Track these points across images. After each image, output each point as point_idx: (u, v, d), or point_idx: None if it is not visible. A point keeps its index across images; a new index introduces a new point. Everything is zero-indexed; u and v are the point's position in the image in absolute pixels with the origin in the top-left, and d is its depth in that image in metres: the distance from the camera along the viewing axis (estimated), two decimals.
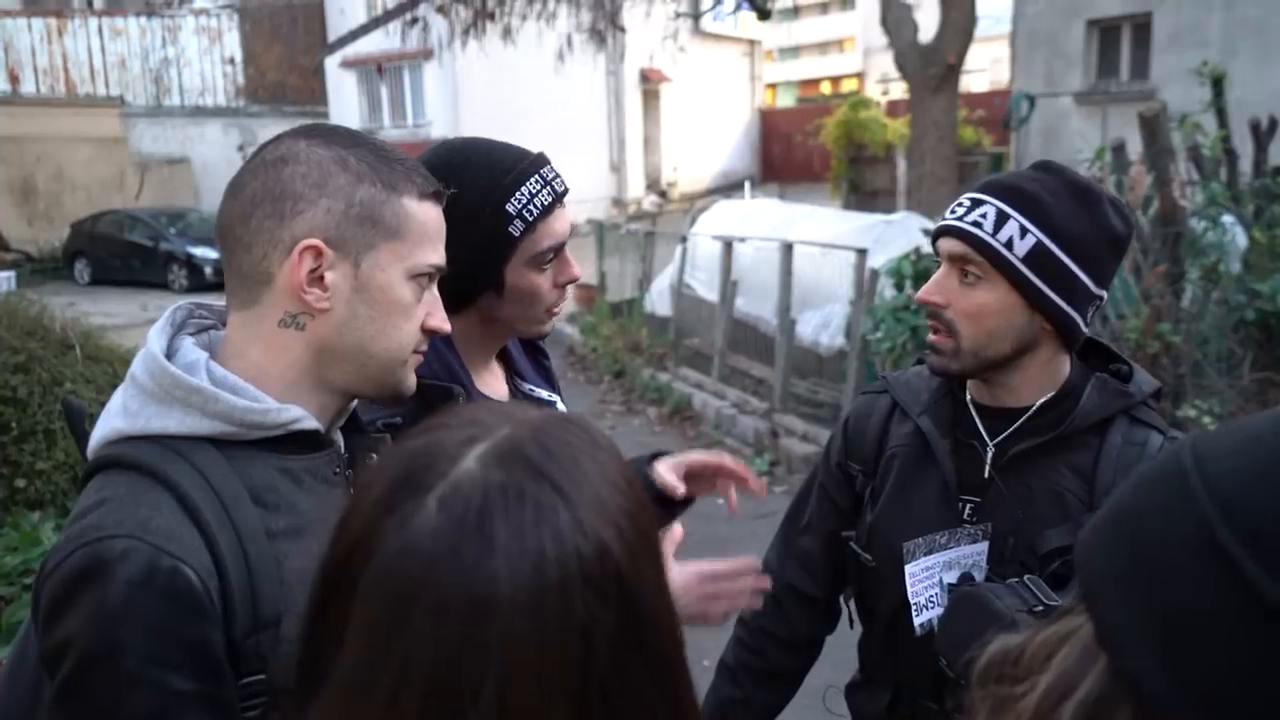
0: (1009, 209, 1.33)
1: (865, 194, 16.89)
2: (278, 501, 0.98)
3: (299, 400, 1.01)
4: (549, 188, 1.33)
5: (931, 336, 1.41)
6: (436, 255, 1.05)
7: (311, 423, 1.00)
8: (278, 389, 1.00)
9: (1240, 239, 6.00)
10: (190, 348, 1.01)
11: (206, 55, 23.11)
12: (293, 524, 0.98)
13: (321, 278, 0.99)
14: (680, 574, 1.25)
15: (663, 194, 24.92)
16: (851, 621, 1.61)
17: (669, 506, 1.41)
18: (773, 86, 37.69)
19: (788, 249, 7.50)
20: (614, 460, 0.65)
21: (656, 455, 1.45)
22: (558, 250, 1.36)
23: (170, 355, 1.00)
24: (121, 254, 18.02)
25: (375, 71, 21.85)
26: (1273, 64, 11.39)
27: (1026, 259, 1.31)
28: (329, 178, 0.99)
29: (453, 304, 1.31)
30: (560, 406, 1.50)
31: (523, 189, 1.31)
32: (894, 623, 1.46)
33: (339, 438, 1.09)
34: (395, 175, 1.02)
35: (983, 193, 1.37)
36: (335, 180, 0.99)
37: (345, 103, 22.35)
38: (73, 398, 1.18)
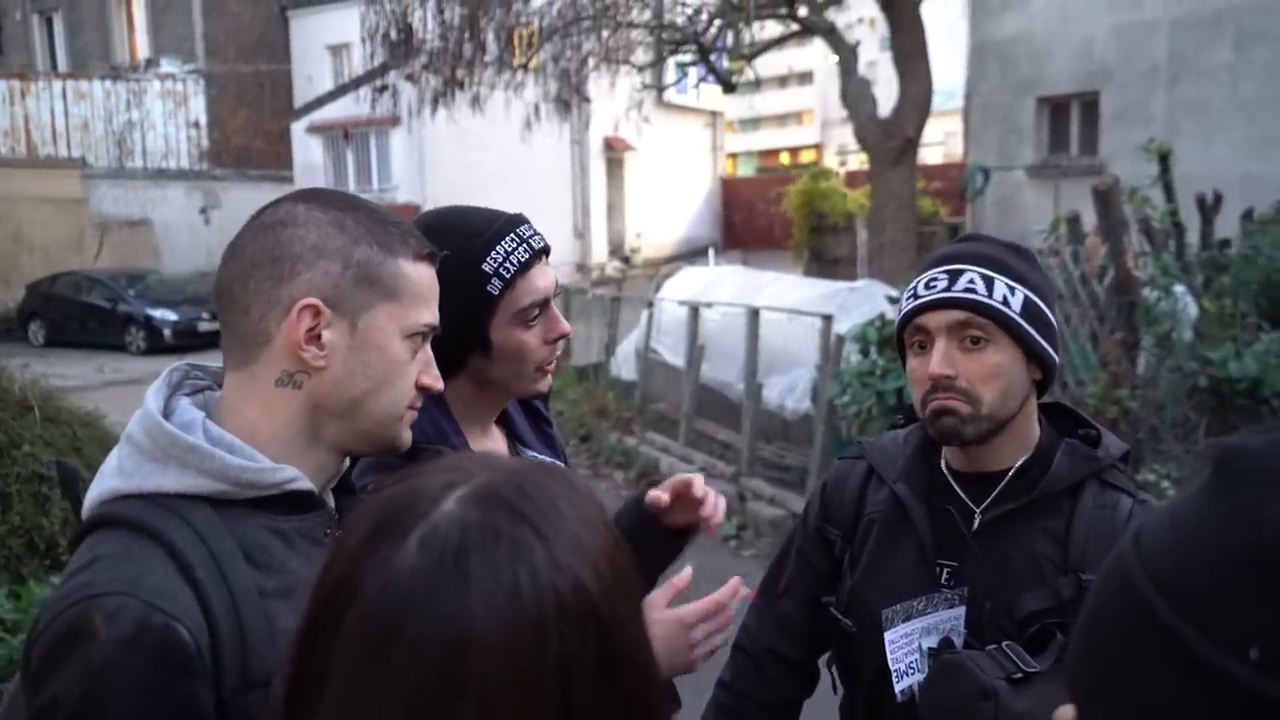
0: (990, 273, 1.38)
1: (826, 262, 17.17)
2: (269, 561, 0.98)
3: (294, 460, 1.01)
4: (525, 245, 1.34)
5: (943, 402, 1.38)
6: (430, 315, 1.08)
7: (306, 483, 1.01)
8: (273, 448, 1.00)
9: (1191, 308, 6.18)
10: (187, 407, 1.01)
11: (171, 119, 23.15)
12: (283, 584, 0.98)
13: (319, 336, 1.00)
14: (660, 625, 1.23)
15: (626, 260, 25.15)
16: (835, 686, 1.61)
17: (678, 536, 1.47)
18: (733, 156, 38.37)
19: (754, 314, 7.59)
20: (591, 505, 0.67)
21: (647, 489, 1.49)
22: (542, 306, 1.36)
23: (167, 415, 1.00)
24: (78, 315, 17.80)
25: (342, 137, 21.99)
26: (1213, 141, 11.85)
27: (1023, 313, 1.37)
28: (327, 240, 1.01)
29: (443, 368, 1.33)
30: None
31: (498, 248, 1.33)
32: (876, 688, 1.46)
33: (330, 499, 1.09)
34: (391, 237, 1.04)
35: (953, 264, 1.39)
36: (333, 242, 1.01)
37: (311, 167, 22.43)
38: (65, 460, 1.17)
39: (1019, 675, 1.26)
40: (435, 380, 1.09)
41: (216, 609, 0.91)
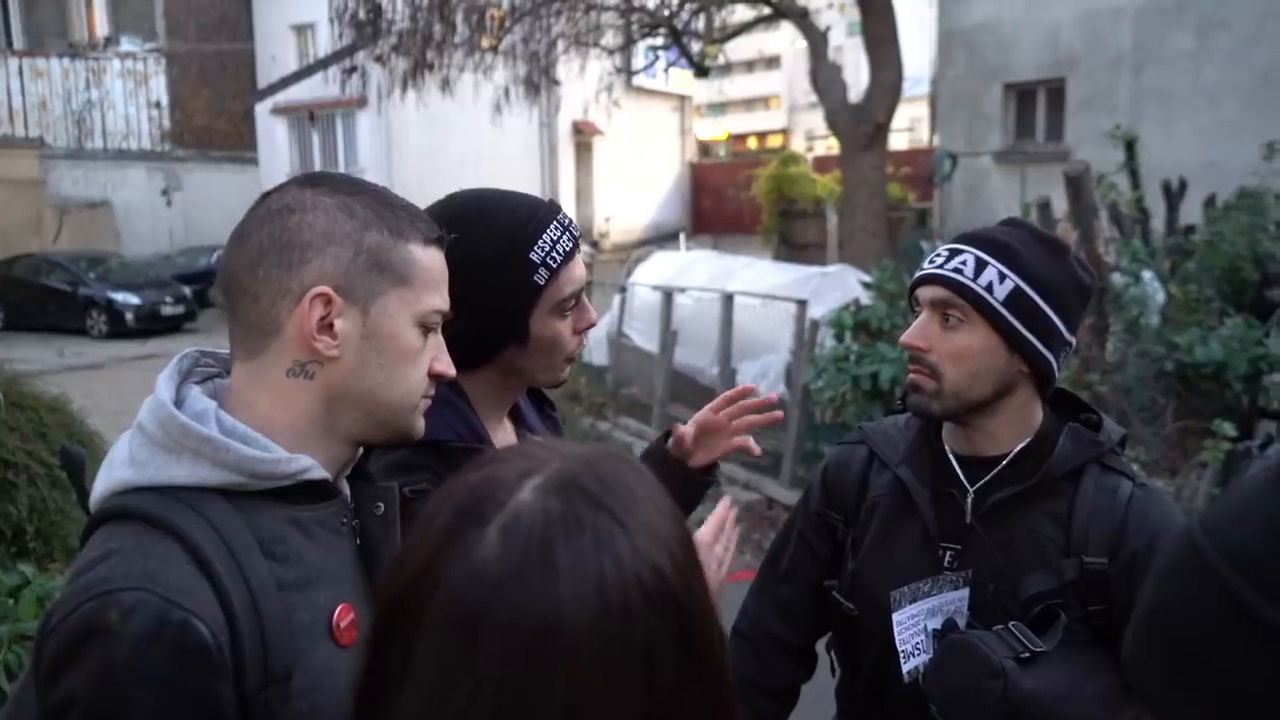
0: (987, 257, 1.40)
1: (795, 247, 17.23)
2: (287, 553, 0.96)
3: (309, 450, 0.99)
4: (567, 233, 1.31)
5: (913, 376, 1.45)
6: (442, 300, 1.06)
7: (321, 472, 0.99)
8: (287, 439, 0.98)
9: (1159, 294, 6.28)
10: (198, 396, 0.99)
11: (132, 99, 22.70)
12: (301, 576, 0.96)
13: (331, 325, 0.98)
14: None
15: (595, 245, 25.08)
16: (833, 669, 1.62)
17: (704, 476, 1.53)
18: (703, 142, 38.21)
19: (728, 300, 7.61)
20: (659, 490, 0.68)
21: (668, 435, 1.55)
22: (577, 296, 1.34)
23: (178, 404, 0.98)
24: (37, 299, 17.45)
25: (307, 119, 21.70)
26: (1176, 128, 12.02)
27: (1006, 302, 1.38)
28: (336, 225, 0.99)
29: (474, 359, 1.30)
30: None
31: (544, 237, 1.29)
32: (878, 669, 1.48)
33: (345, 487, 1.07)
34: (400, 221, 1.02)
35: (960, 243, 1.44)
36: (342, 228, 0.99)
37: (276, 149, 22.13)
38: (71, 445, 1.14)
39: (1026, 654, 1.29)
40: (447, 367, 1.07)
41: (235, 605, 0.89)
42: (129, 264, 18.95)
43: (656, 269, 10.33)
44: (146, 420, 0.96)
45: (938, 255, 1.45)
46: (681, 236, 17.83)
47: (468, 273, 1.22)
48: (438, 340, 1.07)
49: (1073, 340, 1.43)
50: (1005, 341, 1.39)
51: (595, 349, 10.34)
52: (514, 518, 0.60)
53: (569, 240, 1.31)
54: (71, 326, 16.95)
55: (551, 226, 1.30)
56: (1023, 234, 1.44)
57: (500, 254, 1.26)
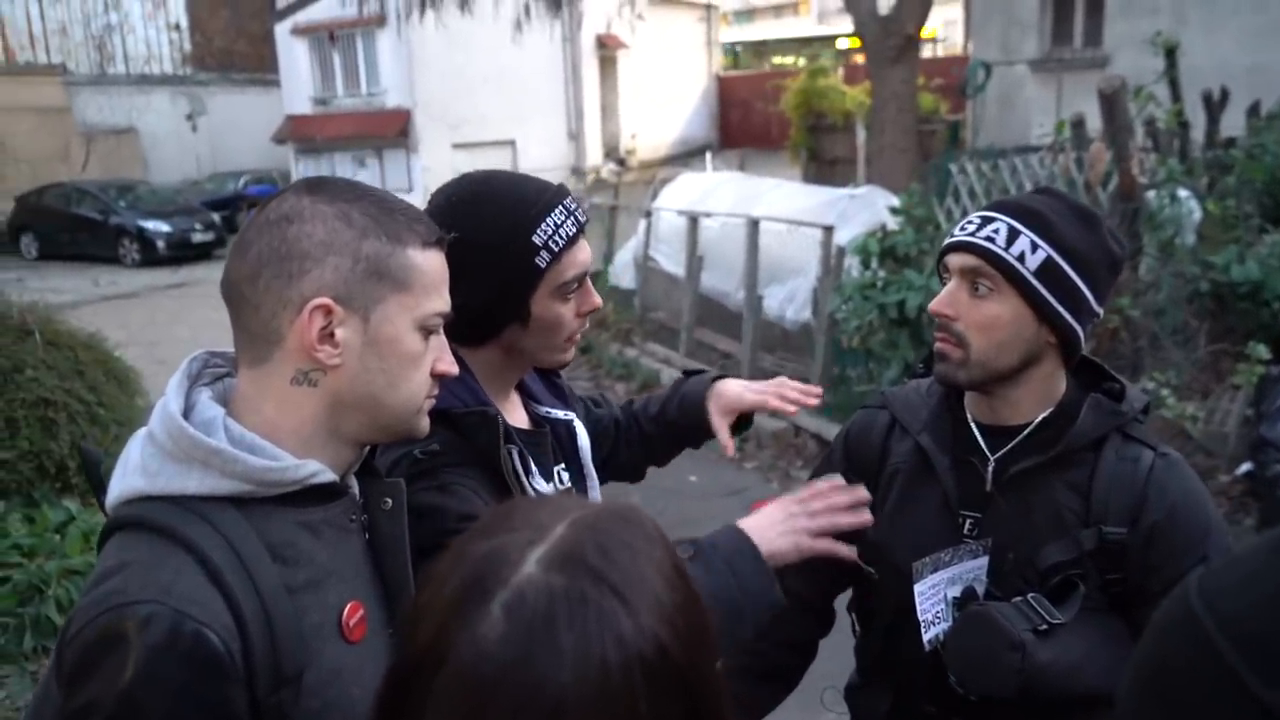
0: (1019, 225, 1.38)
1: (824, 162, 16.89)
2: (297, 556, 0.99)
3: (315, 454, 1.02)
4: (572, 218, 1.34)
5: (939, 345, 1.44)
6: (442, 303, 1.07)
7: (329, 475, 1.02)
8: (293, 444, 1.01)
9: (1196, 212, 6.12)
10: (207, 403, 1.01)
11: (151, 21, 22.51)
12: (311, 577, 0.99)
13: (332, 334, 1.00)
14: (768, 516, 1.36)
15: (621, 162, 24.78)
16: (854, 629, 1.65)
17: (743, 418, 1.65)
18: (733, 56, 37.16)
19: (754, 225, 7.52)
20: (666, 553, 0.68)
21: (718, 379, 1.67)
22: (580, 280, 1.37)
23: (187, 410, 1.00)
24: (69, 228, 17.65)
25: (328, 39, 21.40)
26: (1220, 33, 11.55)
27: (1038, 273, 1.36)
28: (335, 235, 1.00)
29: (477, 337, 1.35)
30: (577, 424, 1.51)
31: (548, 220, 1.31)
32: (894, 632, 1.50)
33: (354, 483, 1.10)
34: (398, 226, 1.03)
35: (992, 211, 1.42)
36: (341, 236, 1.00)
37: (298, 71, 21.91)
38: (89, 445, 1.17)
39: (1044, 627, 1.30)
40: (450, 366, 1.09)
41: (246, 612, 0.92)
42: (158, 191, 19.04)
43: (682, 192, 10.19)
44: (157, 429, 0.98)
45: (969, 223, 1.43)
46: (708, 155, 17.51)
47: (473, 252, 1.26)
48: (439, 340, 1.09)
49: (1100, 312, 1.42)
50: (1035, 312, 1.38)
51: (623, 272, 10.30)
52: (518, 595, 0.61)
53: (573, 224, 1.34)
54: (104, 255, 17.14)
55: (556, 210, 1.33)
56: (1056, 203, 1.41)
57: (503, 235, 1.30)
